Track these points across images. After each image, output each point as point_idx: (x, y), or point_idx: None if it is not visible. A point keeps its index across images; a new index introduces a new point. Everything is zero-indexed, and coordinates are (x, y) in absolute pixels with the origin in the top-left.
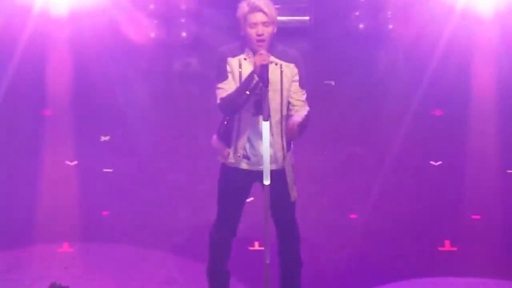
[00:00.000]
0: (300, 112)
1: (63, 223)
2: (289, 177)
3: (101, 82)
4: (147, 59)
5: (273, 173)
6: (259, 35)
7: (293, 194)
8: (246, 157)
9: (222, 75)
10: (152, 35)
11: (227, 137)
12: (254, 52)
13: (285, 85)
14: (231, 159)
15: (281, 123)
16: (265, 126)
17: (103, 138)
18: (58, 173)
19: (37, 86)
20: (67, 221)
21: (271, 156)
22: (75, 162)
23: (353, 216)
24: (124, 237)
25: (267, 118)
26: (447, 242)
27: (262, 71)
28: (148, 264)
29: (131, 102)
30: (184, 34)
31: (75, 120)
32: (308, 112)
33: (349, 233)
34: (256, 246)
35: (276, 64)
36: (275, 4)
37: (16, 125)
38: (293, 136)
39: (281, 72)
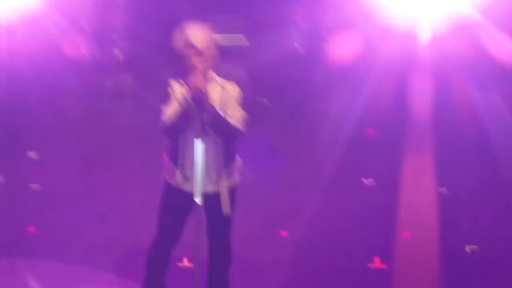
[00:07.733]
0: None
1: None
2: (223, 200)
3: (30, 97)
4: (77, 75)
5: (210, 194)
6: (192, 67)
7: (226, 210)
8: (187, 178)
9: (164, 98)
10: (83, 51)
11: (174, 157)
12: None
13: (224, 104)
14: (178, 178)
15: (217, 144)
16: (197, 143)
17: (30, 154)
18: None
19: None
20: None
21: (207, 177)
22: (0, 177)
23: (283, 233)
24: (51, 253)
25: (199, 136)
26: (376, 259)
27: (196, 92)
28: (76, 281)
29: (60, 118)
30: (116, 50)
31: (1, 135)
32: (234, 126)
33: (279, 251)
34: (185, 263)
35: (218, 82)
36: (208, 20)
37: None
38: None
39: (222, 90)
